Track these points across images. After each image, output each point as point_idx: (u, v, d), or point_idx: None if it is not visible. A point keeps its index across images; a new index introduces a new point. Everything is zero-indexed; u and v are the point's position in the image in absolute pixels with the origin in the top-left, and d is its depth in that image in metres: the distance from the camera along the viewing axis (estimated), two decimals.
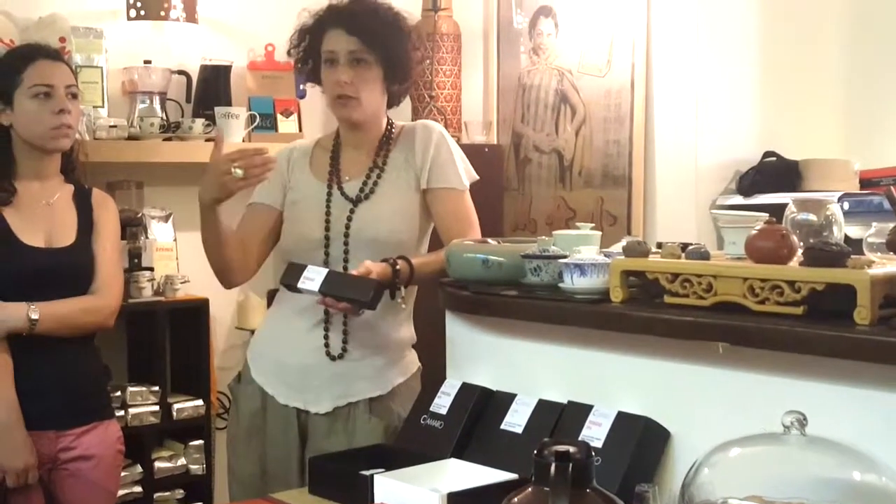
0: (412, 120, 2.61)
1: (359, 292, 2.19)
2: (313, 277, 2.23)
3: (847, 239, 1.89)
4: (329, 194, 2.42)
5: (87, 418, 2.54)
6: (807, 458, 1.47)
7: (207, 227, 2.33)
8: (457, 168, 2.42)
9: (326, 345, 2.39)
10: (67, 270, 2.52)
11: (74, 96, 2.56)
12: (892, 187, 1.73)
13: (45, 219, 2.53)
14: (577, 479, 1.35)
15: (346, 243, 2.38)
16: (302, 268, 2.26)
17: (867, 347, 1.52)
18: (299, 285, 2.25)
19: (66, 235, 2.54)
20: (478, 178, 2.51)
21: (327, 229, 2.39)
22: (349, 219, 2.39)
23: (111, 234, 2.63)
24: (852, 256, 1.64)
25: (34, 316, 2.41)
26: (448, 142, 2.45)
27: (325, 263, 2.36)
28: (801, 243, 1.73)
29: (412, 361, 2.49)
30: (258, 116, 3.63)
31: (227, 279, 2.45)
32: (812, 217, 1.84)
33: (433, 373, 2.37)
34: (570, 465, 1.35)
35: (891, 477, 1.44)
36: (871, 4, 3.64)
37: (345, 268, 2.35)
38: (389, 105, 2.50)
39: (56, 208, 2.56)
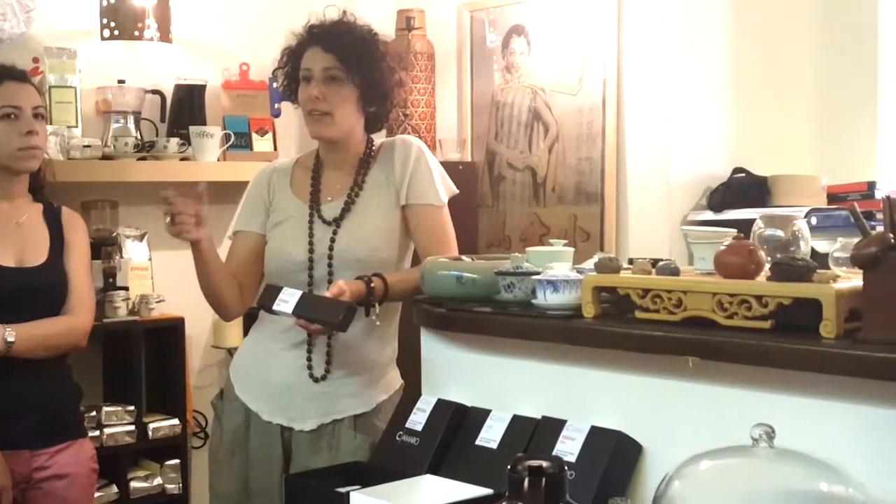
0: (387, 137, 2.61)
1: (330, 314, 2.20)
2: (288, 300, 2.24)
3: (814, 253, 1.92)
4: (311, 215, 2.42)
5: (61, 437, 2.53)
6: (775, 469, 1.49)
7: (195, 263, 2.36)
8: (434, 184, 2.43)
9: (309, 367, 2.39)
10: (41, 290, 2.51)
11: (42, 117, 2.56)
12: (855, 203, 1.76)
13: (15, 238, 2.52)
14: (550, 494, 1.37)
15: (329, 265, 2.38)
16: (278, 290, 2.27)
17: (833, 360, 1.54)
18: (274, 307, 2.25)
19: (37, 254, 2.54)
20: (458, 191, 2.51)
21: (311, 251, 2.39)
22: (332, 240, 2.39)
23: (82, 252, 2.62)
24: (818, 271, 1.67)
25: (10, 338, 2.40)
26: (426, 157, 2.45)
27: (309, 285, 2.37)
28: (769, 258, 1.76)
29: (395, 378, 2.49)
30: (233, 135, 3.64)
31: (224, 313, 2.49)
32: (779, 233, 1.86)
33: (411, 389, 2.38)
34: (544, 479, 1.37)
35: (857, 488, 1.47)
36: (839, 24, 3.69)
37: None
38: (371, 129, 2.48)
39: (26, 227, 2.55)
